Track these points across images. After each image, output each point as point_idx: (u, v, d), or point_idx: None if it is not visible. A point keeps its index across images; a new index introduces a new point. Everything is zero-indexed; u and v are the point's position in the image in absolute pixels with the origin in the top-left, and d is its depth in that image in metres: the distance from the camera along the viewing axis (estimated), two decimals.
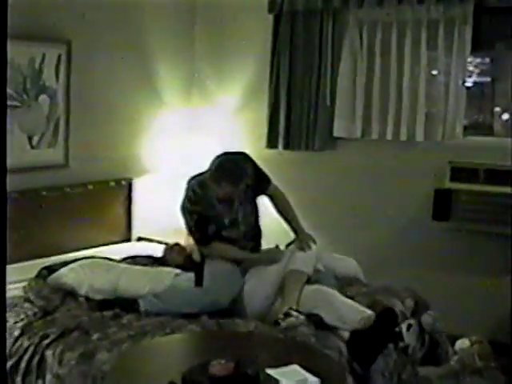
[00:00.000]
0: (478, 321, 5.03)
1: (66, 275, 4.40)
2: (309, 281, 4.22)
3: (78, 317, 3.93)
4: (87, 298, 4.26)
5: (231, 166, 4.18)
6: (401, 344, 3.96)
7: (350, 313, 3.92)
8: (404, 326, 4.00)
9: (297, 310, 3.94)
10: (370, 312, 3.95)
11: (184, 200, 4.31)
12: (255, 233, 4.56)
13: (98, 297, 4.25)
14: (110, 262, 4.64)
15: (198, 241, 4.39)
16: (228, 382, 2.81)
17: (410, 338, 4.02)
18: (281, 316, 3.92)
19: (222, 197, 4.25)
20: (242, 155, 4.41)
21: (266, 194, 4.58)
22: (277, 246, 4.46)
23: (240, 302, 4.16)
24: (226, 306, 4.10)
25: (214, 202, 4.30)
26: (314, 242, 4.46)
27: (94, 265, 4.53)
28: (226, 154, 4.27)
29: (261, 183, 4.51)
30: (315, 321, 3.89)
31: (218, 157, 4.21)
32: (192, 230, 4.35)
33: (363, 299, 4.24)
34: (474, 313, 5.07)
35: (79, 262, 4.55)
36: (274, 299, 4.15)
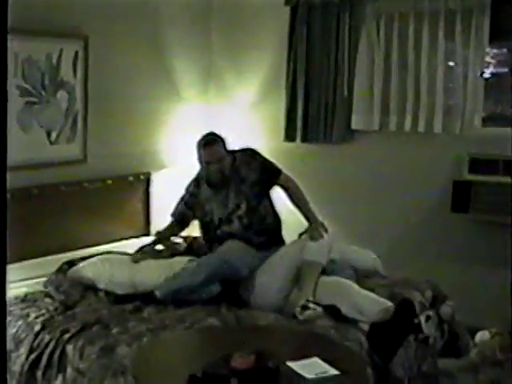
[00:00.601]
0: (498, 313, 4.99)
1: (85, 269, 4.43)
2: (324, 271, 4.23)
3: (98, 311, 3.95)
4: (106, 293, 4.28)
5: (209, 137, 4.59)
6: (420, 335, 3.95)
7: (369, 304, 3.92)
8: (423, 318, 3.99)
9: (314, 302, 3.95)
10: (389, 303, 3.94)
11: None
12: (267, 227, 4.57)
13: (117, 290, 4.27)
14: (127, 257, 4.66)
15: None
16: (249, 375, 2.81)
17: (429, 329, 4.01)
18: (298, 309, 3.93)
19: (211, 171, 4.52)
20: (248, 150, 4.64)
21: (278, 185, 4.64)
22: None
23: (254, 293, 4.19)
24: (246, 274, 4.18)
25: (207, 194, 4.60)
26: (326, 230, 4.47)
27: (112, 259, 4.56)
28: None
29: (270, 175, 4.60)
30: (333, 313, 3.89)
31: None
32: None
33: (382, 291, 4.24)
34: (494, 305, 5.04)
35: (98, 257, 4.59)
36: (288, 291, 4.16)
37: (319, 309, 3.90)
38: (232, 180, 4.52)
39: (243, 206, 4.49)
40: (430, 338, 4.03)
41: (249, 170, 4.53)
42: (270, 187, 4.62)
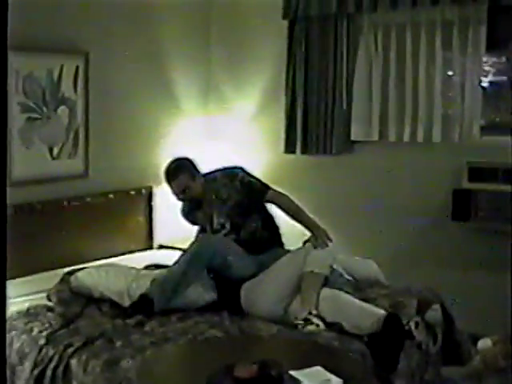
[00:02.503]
0: (499, 320, 5.01)
1: (82, 277, 4.45)
2: (326, 281, 4.24)
3: (102, 325, 3.97)
4: (112, 305, 4.29)
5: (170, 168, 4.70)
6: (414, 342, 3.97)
7: (363, 318, 3.92)
8: (412, 324, 3.99)
9: (317, 315, 3.95)
10: (381, 312, 3.94)
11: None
12: (257, 241, 4.61)
13: (114, 298, 4.29)
14: (128, 267, 4.68)
15: None
16: None
17: (419, 334, 4.01)
18: (300, 322, 3.94)
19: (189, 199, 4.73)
20: (230, 170, 4.75)
21: (269, 202, 4.67)
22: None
23: (254, 302, 4.19)
24: (232, 263, 4.31)
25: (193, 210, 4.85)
26: (330, 239, 4.46)
27: (110, 268, 4.58)
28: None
29: (255, 194, 4.64)
30: (336, 329, 3.89)
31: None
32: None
33: (384, 301, 4.25)
34: (495, 312, 5.06)
35: (97, 265, 4.62)
36: (289, 300, 4.15)
37: (322, 326, 3.91)
38: (210, 202, 4.67)
39: (227, 226, 4.62)
40: (421, 344, 4.03)
41: (230, 191, 4.62)
42: (259, 205, 4.67)
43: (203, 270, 4.31)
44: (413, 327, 3.94)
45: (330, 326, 3.91)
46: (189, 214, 4.85)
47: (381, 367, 3.67)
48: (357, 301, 4.10)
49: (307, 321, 3.91)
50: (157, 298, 4.14)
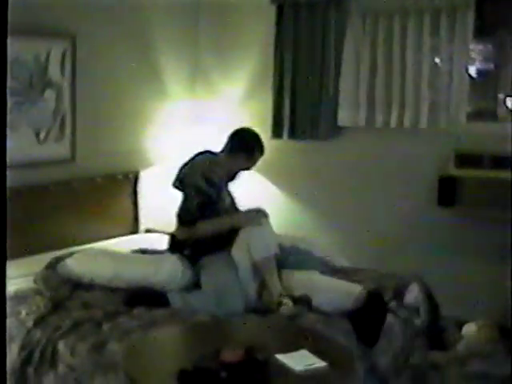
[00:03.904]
0: (484, 306, 5.05)
1: (70, 264, 4.44)
2: (290, 263, 4.27)
3: (90, 308, 3.97)
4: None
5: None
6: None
7: (341, 296, 3.97)
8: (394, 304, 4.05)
9: (287, 295, 3.98)
10: (359, 288, 3.99)
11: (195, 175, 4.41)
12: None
13: (103, 283, 4.29)
14: (115, 252, 4.67)
15: (185, 222, 4.46)
16: (239, 368, 2.84)
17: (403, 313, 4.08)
18: (273, 307, 3.95)
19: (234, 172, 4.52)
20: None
21: None
22: (259, 210, 4.41)
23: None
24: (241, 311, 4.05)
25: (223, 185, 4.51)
26: (266, 215, 4.37)
27: (97, 253, 4.58)
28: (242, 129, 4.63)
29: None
30: (305, 303, 3.92)
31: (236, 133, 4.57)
32: (190, 209, 4.41)
33: (369, 285, 4.29)
34: (480, 298, 5.10)
35: (84, 251, 4.62)
36: (256, 289, 4.14)
37: (290, 303, 3.92)
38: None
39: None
40: (406, 321, 4.08)
41: None
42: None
43: None
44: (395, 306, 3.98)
45: (298, 300, 3.94)
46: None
47: (362, 341, 3.73)
48: (334, 279, 4.14)
49: (280, 304, 3.93)
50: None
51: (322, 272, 4.34)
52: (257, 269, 4.14)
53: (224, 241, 4.31)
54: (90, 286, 4.32)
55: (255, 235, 4.21)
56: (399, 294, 4.39)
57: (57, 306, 3.99)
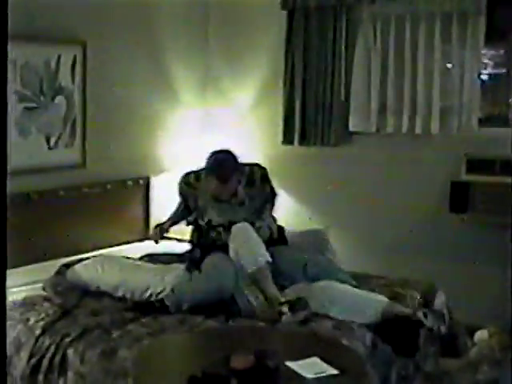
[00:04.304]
0: (496, 312, 5.01)
1: (78, 270, 4.44)
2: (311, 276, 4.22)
3: (99, 315, 3.96)
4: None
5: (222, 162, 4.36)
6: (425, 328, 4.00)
7: (366, 306, 3.93)
8: (420, 314, 4.00)
9: (284, 303, 3.94)
10: (385, 300, 3.96)
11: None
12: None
13: (109, 292, 4.28)
14: (124, 260, 4.67)
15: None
16: (248, 375, 2.82)
17: (430, 322, 4.03)
18: (276, 317, 3.90)
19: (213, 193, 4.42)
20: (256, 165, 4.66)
21: None
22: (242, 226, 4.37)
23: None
24: (230, 292, 4.05)
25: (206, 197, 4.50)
26: (248, 229, 4.32)
27: (106, 261, 4.57)
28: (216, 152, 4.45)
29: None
30: (303, 307, 3.89)
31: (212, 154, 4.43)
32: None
33: (383, 292, 4.25)
34: (492, 304, 5.06)
35: (93, 258, 4.61)
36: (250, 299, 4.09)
37: (288, 312, 3.87)
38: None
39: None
40: (433, 329, 4.04)
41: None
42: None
43: None
44: (422, 318, 3.94)
45: (293, 306, 3.89)
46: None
47: (400, 352, 3.75)
48: (356, 290, 4.11)
49: (281, 314, 3.89)
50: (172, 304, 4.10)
51: (342, 281, 4.28)
52: (253, 278, 4.12)
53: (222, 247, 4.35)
54: (97, 293, 4.31)
55: (242, 251, 4.20)
56: (430, 301, 4.39)
57: (65, 312, 3.98)
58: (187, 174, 4.65)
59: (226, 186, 4.35)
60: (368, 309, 3.90)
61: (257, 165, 4.68)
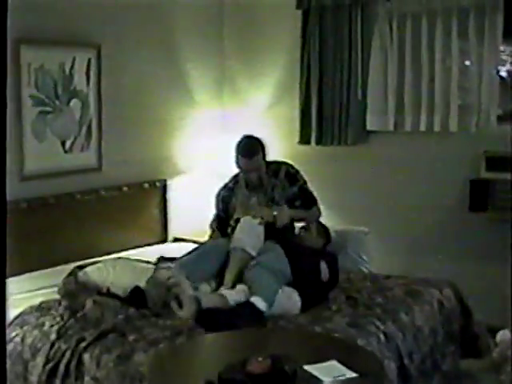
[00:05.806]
0: None
1: (90, 272, 4.42)
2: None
3: (114, 318, 3.93)
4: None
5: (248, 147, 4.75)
6: None
7: None
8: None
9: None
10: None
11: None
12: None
13: (119, 294, 4.27)
14: (135, 262, 4.65)
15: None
16: (265, 379, 2.78)
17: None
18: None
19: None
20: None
21: None
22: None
23: None
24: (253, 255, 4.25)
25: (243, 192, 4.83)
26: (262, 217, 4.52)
27: (118, 263, 4.54)
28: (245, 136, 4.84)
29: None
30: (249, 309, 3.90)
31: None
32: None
33: (400, 290, 4.23)
34: None
35: (105, 260, 4.59)
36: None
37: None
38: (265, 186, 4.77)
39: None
40: None
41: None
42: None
43: None
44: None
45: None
46: (230, 198, 4.90)
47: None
48: None
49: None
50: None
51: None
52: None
53: None
54: (108, 295, 4.29)
55: (240, 227, 4.43)
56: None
57: (76, 314, 3.95)
58: (222, 188, 4.96)
59: (250, 160, 4.67)
60: None
61: (286, 163, 4.92)
